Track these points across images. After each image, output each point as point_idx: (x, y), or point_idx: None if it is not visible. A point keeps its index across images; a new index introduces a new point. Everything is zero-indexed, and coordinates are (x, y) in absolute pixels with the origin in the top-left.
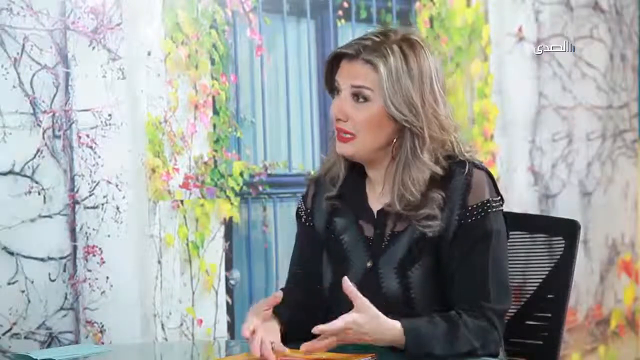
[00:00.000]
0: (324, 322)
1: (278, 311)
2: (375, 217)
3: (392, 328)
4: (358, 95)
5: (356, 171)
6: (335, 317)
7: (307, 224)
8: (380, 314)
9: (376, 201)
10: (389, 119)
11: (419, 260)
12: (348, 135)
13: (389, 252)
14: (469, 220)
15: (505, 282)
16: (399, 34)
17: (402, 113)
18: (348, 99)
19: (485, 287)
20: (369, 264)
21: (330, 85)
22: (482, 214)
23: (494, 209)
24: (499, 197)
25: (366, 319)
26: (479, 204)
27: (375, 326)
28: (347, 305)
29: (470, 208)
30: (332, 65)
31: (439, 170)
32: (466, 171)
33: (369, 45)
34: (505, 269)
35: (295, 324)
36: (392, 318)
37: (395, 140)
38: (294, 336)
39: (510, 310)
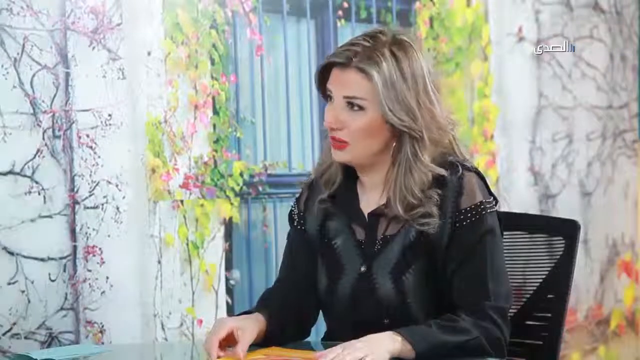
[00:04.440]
0: (309, 325)
1: (265, 309)
2: (367, 220)
3: (384, 335)
4: (352, 104)
5: (349, 175)
6: (330, 322)
7: (299, 227)
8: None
9: (368, 205)
10: (385, 126)
11: (412, 265)
12: (342, 143)
13: (382, 256)
14: (464, 223)
15: (504, 281)
16: (388, 35)
17: (400, 119)
18: (342, 107)
19: (484, 287)
20: (362, 269)
21: (323, 91)
22: (477, 216)
23: (488, 210)
24: (492, 198)
25: (356, 340)
26: (473, 207)
27: (367, 338)
28: (341, 309)
29: (463, 211)
30: (322, 73)
31: (442, 171)
32: (458, 174)
33: (359, 51)
34: (503, 267)
35: (280, 325)
36: (388, 323)
37: (394, 144)
38: (277, 337)
39: (510, 310)
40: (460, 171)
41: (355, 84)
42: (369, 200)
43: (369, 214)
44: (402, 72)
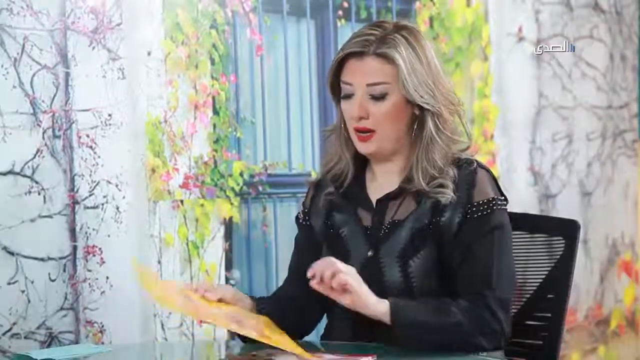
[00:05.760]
0: (310, 324)
1: (262, 299)
2: (375, 206)
3: (376, 298)
4: (375, 94)
5: (357, 165)
6: (332, 313)
7: (305, 223)
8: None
9: (377, 192)
10: (407, 108)
11: (420, 251)
12: (367, 134)
13: (390, 241)
14: (475, 215)
15: (508, 274)
16: (391, 23)
17: (422, 97)
18: (365, 97)
19: (488, 278)
20: (369, 253)
21: (335, 89)
22: (488, 210)
23: (499, 207)
24: (504, 197)
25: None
26: (485, 201)
27: (360, 281)
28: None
29: (475, 204)
30: (336, 68)
31: (464, 140)
32: (472, 167)
33: (373, 39)
34: (510, 262)
35: (280, 318)
36: None
37: (415, 127)
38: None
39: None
40: (475, 165)
41: (376, 70)
42: (379, 187)
43: (377, 200)
44: (416, 53)
